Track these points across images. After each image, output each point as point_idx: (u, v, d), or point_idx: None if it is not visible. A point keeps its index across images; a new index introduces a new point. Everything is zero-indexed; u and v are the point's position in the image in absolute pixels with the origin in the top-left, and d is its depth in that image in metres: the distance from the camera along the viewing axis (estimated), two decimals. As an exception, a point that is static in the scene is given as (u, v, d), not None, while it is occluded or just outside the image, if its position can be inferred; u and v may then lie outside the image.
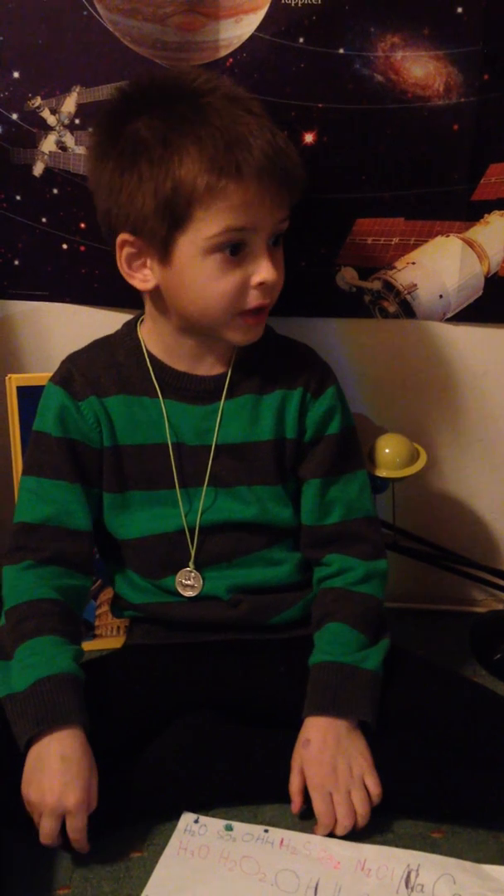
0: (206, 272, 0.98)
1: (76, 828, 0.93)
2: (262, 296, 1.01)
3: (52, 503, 1.07)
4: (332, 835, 0.99)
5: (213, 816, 1.01)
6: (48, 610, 1.03)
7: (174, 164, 0.94)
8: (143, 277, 1.02)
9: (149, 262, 1.01)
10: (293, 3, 1.09)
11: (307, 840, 0.99)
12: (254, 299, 1.00)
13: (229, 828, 1.00)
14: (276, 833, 1.00)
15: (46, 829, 0.92)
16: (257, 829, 1.00)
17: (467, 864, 0.96)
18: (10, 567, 1.07)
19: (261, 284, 0.99)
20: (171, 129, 0.95)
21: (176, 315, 1.04)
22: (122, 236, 1.00)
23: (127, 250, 1.01)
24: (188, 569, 1.11)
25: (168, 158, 0.94)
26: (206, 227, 0.96)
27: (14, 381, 1.22)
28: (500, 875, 0.95)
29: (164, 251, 0.99)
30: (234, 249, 0.97)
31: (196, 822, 1.01)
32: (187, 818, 1.01)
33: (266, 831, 1.00)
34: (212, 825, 1.00)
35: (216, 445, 1.09)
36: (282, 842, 0.98)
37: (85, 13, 1.11)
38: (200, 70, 1.08)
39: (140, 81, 1.03)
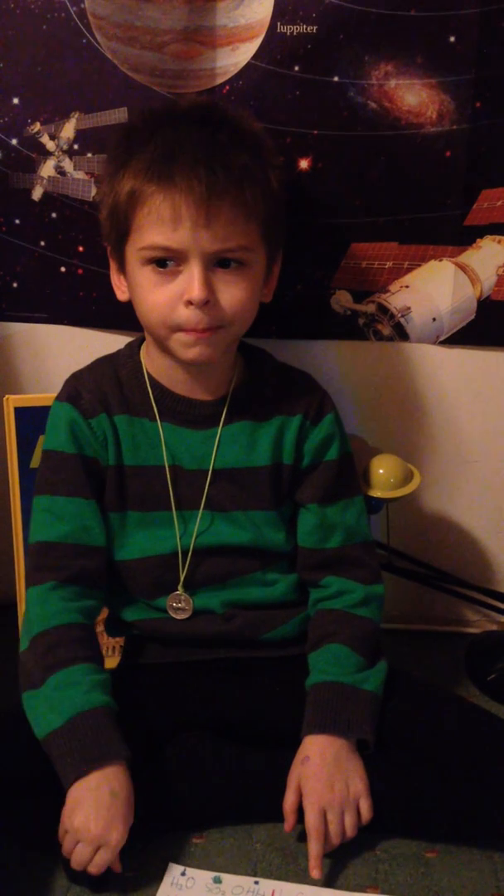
0: (142, 283, 1.01)
1: (103, 862, 0.92)
2: (196, 318, 0.99)
3: (69, 520, 1.07)
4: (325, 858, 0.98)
5: (206, 838, 1.01)
6: (77, 636, 1.03)
7: (120, 176, 0.99)
8: (123, 289, 1.07)
9: (120, 273, 1.06)
10: (288, 32, 1.11)
11: (299, 892, 0.96)
12: (186, 318, 0.99)
13: (218, 880, 0.98)
14: (267, 886, 0.97)
15: (82, 857, 0.92)
16: (247, 882, 0.97)
17: None
18: (34, 588, 1.06)
19: (188, 303, 0.99)
20: (135, 151, 0.98)
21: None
22: (108, 246, 1.06)
23: (113, 262, 1.06)
24: (178, 592, 1.11)
25: (117, 172, 0.99)
26: (139, 238, 0.99)
27: (12, 402, 1.22)
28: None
29: (120, 261, 1.03)
30: (160, 264, 0.99)
31: (183, 874, 0.98)
32: (174, 871, 0.99)
33: (256, 883, 0.97)
34: (199, 878, 0.98)
35: (213, 470, 1.10)
36: (272, 895, 0.96)
37: (84, 41, 1.13)
38: (201, 99, 1.11)
39: (144, 110, 1.07)
